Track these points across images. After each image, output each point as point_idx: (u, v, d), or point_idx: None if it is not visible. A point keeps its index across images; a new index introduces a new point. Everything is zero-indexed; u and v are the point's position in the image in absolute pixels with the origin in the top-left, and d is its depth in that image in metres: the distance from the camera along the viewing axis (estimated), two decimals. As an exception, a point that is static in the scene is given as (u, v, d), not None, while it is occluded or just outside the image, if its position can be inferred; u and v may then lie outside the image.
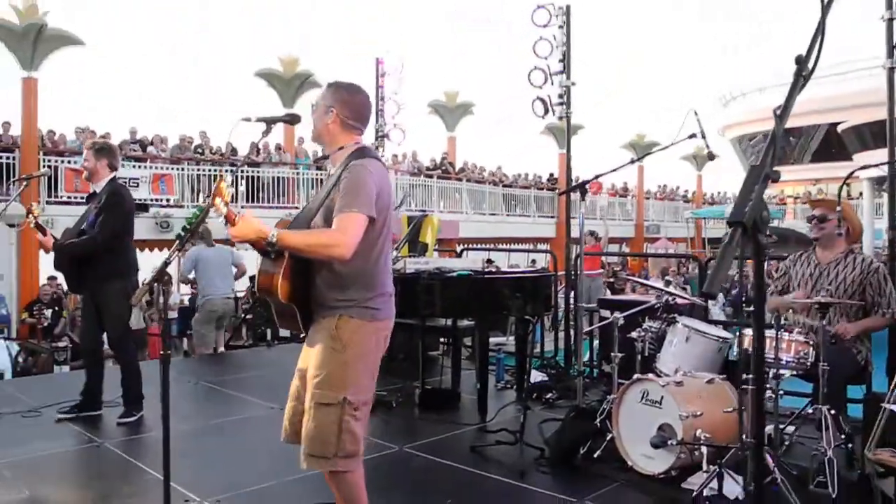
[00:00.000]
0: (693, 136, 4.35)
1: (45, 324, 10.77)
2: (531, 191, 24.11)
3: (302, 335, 2.90)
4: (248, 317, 11.32)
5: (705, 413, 3.79)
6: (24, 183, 5.68)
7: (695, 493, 3.50)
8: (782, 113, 1.39)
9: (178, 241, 2.71)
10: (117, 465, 4.31)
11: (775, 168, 1.35)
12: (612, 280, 16.49)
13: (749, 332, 4.12)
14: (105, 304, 5.10)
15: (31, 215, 4.88)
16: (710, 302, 6.24)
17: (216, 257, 8.67)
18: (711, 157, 4.74)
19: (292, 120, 2.90)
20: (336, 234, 2.60)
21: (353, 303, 2.72)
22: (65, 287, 12.73)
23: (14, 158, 13.64)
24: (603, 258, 15.67)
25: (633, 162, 5.03)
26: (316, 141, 2.93)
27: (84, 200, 5.57)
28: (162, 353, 2.66)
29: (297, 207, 17.01)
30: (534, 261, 15.25)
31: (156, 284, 2.71)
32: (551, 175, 25.18)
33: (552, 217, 24.23)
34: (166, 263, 2.66)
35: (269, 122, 2.79)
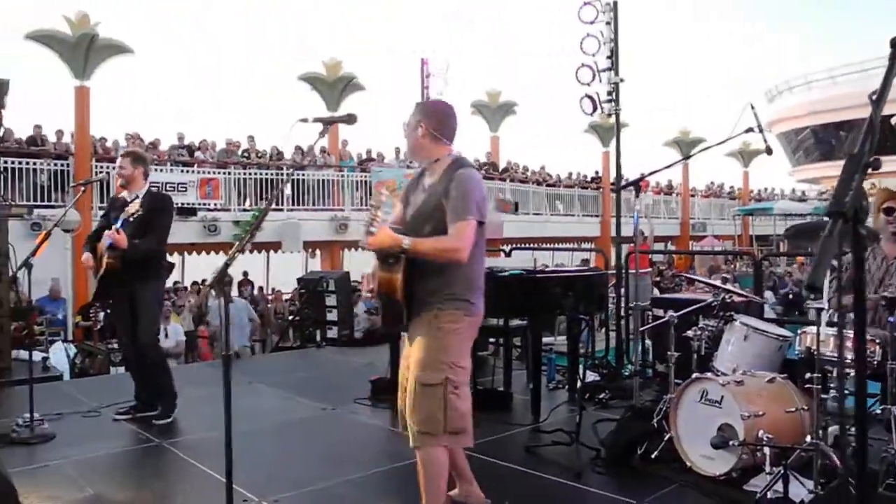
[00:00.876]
0: (750, 130, 4.25)
1: (100, 326, 10.99)
2: (575, 190, 23.94)
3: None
4: (295, 319, 11.41)
5: (767, 413, 3.70)
6: (83, 188, 5.81)
7: (758, 496, 3.42)
8: (878, 97, 1.33)
9: (238, 243, 2.74)
10: (175, 465, 4.38)
11: (874, 157, 1.30)
12: (658, 279, 16.28)
13: (811, 329, 4.03)
14: (142, 304, 5.19)
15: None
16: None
17: (235, 311, 9.39)
18: (770, 151, 4.62)
19: (350, 120, 2.90)
20: (455, 241, 2.95)
21: (453, 297, 3.04)
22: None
23: (68, 165, 13.99)
24: (650, 256, 15.46)
25: (687, 158, 4.96)
26: (412, 156, 3.30)
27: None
28: (224, 353, 2.67)
29: (341, 209, 17.15)
30: (585, 260, 15.16)
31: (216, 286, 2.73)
32: (596, 173, 24.97)
33: (596, 216, 24.05)
34: (227, 265, 2.68)
35: (327, 122, 2.81)
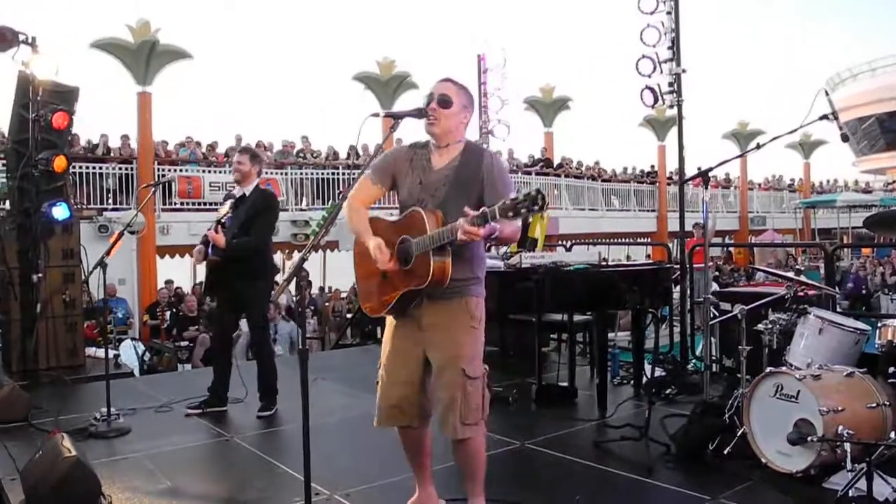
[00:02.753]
0: (825, 117, 4.13)
1: (166, 325, 11.28)
2: (630, 185, 23.59)
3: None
4: (355, 316, 11.53)
5: (847, 408, 3.59)
6: (153, 190, 6.00)
7: (840, 494, 3.33)
8: None
9: (312, 239, 2.78)
10: (248, 459, 4.45)
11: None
12: (716, 274, 15.99)
13: (893, 322, 3.92)
14: (250, 302, 5.33)
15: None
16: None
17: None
18: (846, 138, 4.48)
19: (420, 114, 2.90)
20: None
21: (476, 281, 3.07)
22: (185, 289, 13.30)
23: (132, 169, 14.36)
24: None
25: (759, 147, 4.84)
26: (443, 136, 3.02)
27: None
28: (300, 347, 2.71)
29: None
30: (648, 255, 14.98)
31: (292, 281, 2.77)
32: (651, 167, 24.58)
33: (652, 211, 23.66)
34: (303, 260, 2.72)
35: (397, 116, 2.83)
